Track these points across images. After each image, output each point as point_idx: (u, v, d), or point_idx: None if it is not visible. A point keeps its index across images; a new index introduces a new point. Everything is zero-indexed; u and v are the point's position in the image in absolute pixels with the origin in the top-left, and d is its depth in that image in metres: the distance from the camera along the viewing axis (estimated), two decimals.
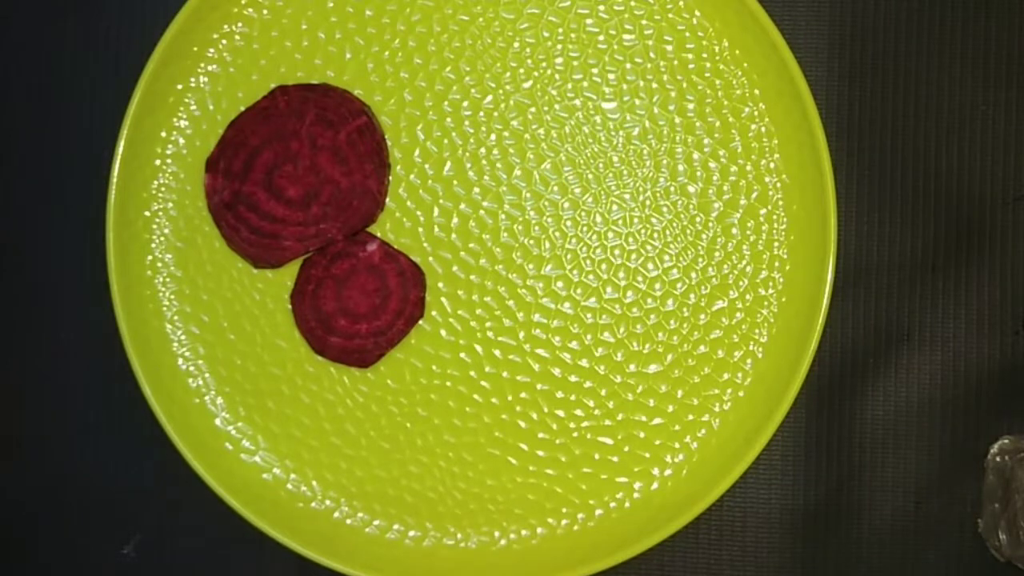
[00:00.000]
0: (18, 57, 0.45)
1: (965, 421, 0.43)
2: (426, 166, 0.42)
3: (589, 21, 0.42)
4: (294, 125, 0.41)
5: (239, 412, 0.42)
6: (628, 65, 0.42)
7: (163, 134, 0.42)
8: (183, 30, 0.41)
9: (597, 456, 0.42)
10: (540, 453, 0.42)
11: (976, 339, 0.43)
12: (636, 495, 0.42)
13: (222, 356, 0.42)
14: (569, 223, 0.42)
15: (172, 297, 0.42)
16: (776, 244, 0.42)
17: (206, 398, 0.42)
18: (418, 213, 0.42)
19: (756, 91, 0.42)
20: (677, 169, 0.42)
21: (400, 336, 0.41)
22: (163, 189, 0.42)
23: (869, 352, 0.43)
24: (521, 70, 0.42)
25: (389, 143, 0.42)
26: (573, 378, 0.42)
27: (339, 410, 0.42)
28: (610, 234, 0.42)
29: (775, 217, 0.42)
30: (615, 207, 0.42)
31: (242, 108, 0.42)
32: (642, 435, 0.42)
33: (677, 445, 0.42)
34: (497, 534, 0.42)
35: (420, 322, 0.42)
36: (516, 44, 0.42)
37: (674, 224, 0.42)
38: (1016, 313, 0.43)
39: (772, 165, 0.42)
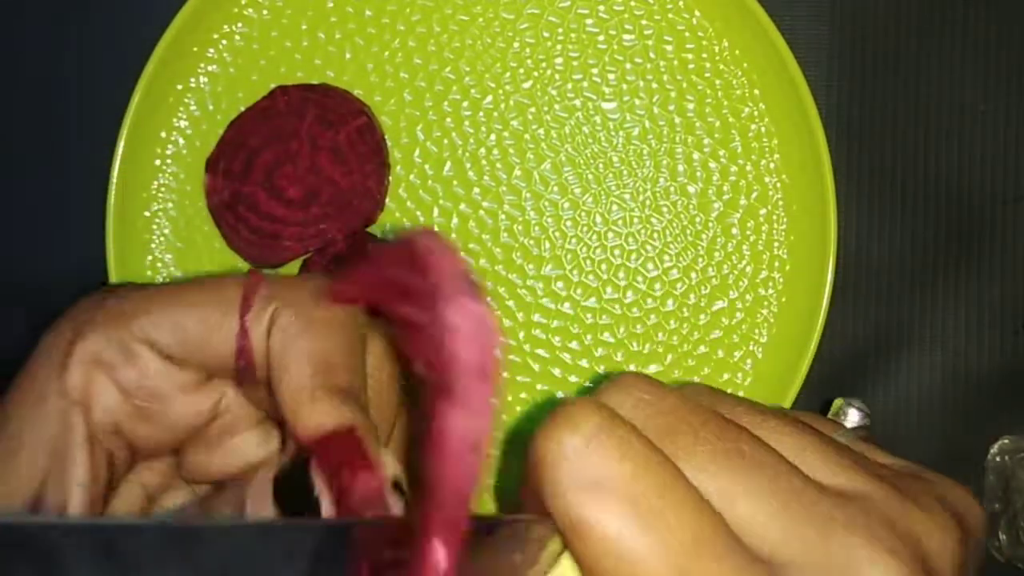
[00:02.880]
0: (19, 57, 0.45)
1: (965, 421, 0.43)
2: (426, 166, 0.42)
3: (589, 21, 0.42)
4: (294, 125, 0.41)
5: None
6: (628, 65, 0.42)
7: (163, 134, 0.42)
8: (183, 30, 0.41)
9: None
10: None
11: (976, 339, 0.43)
12: None
13: None
14: (569, 223, 0.42)
15: None
16: (776, 244, 0.42)
17: None
18: (418, 213, 0.42)
19: (756, 91, 0.42)
20: (677, 169, 0.42)
21: None
22: (163, 189, 0.42)
23: (869, 352, 0.43)
24: (521, 70, 0.42)
25: (389, 143, 0.42)
26: (573, 378, 0.42)
27: None
28: (610, 234, 0.42)
29: (775, 217, 0.42)
30: (615, 207, 0.42)
31: (242, 108, 0.42)
32: None
33: None
34: None
35: None
36: (516, 44, 0.42)
37: (674, 224, 0.42)
38: (1016, 313, 0.43)
39: (772, 165, 0.42)
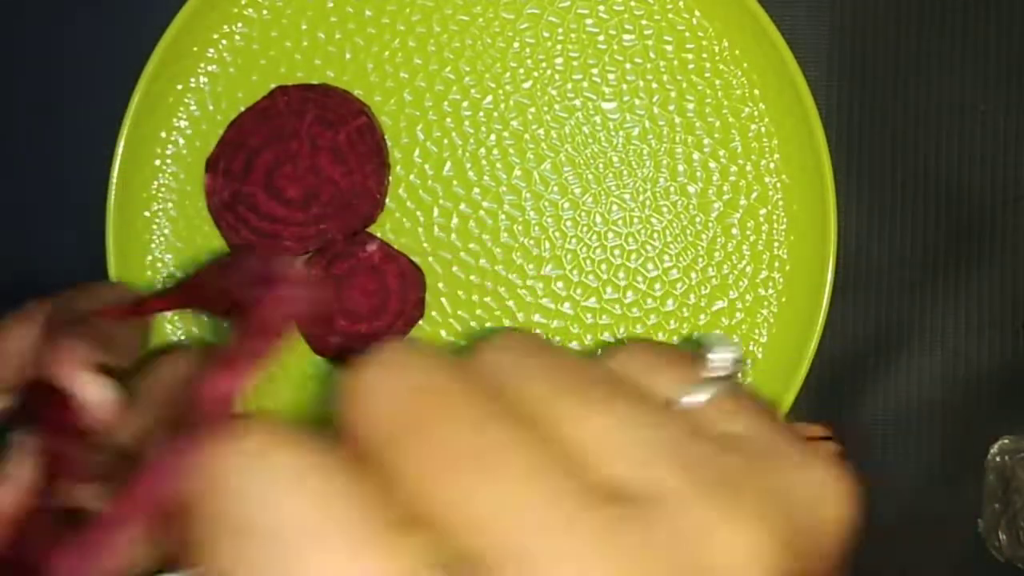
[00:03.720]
0: (19, 57, 0.45)
1: (965, 421, 0.43)
2: (426, 166, 0.42)
3: (589, 21, 0.42)
4: (294, 125, 0.41)
5: None
6: (628, 65, 0.42)
7: (163, 134, 0.42)
8: (183, 30, 0.41)
9: None
10: None
11: (976, 339, 0.43)
12: None
13: None
14: (569, 223, 0.42)
15: None
16: (776, 244, 0.42)
17: None
18: (418, 213, 0.42)
19: (756, 91, 0.42)
20: (677, 169, 0.42)
21: (400, 337, 0.41)
22: (163, 189, 0.42)
23: (869, 352, 0.43)
24: (521, 70, 0.42)
25: (389, 143, 0.42)
26: None
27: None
28: (610, 234, 0.42)
29: (775, 217, 0.42)
30: (615, 207, 0.42)
31: (242, 108, 0.42)
32: None
33: None
34: None
35: (420, 322, 0.42)
36: (516, 44, 0.42)
37: (674, 224, 0.42)
38: (1016, 313, 0.43)
39: (772, 165, 0.42)
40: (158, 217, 0.42)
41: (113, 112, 0.41)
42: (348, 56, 0.42)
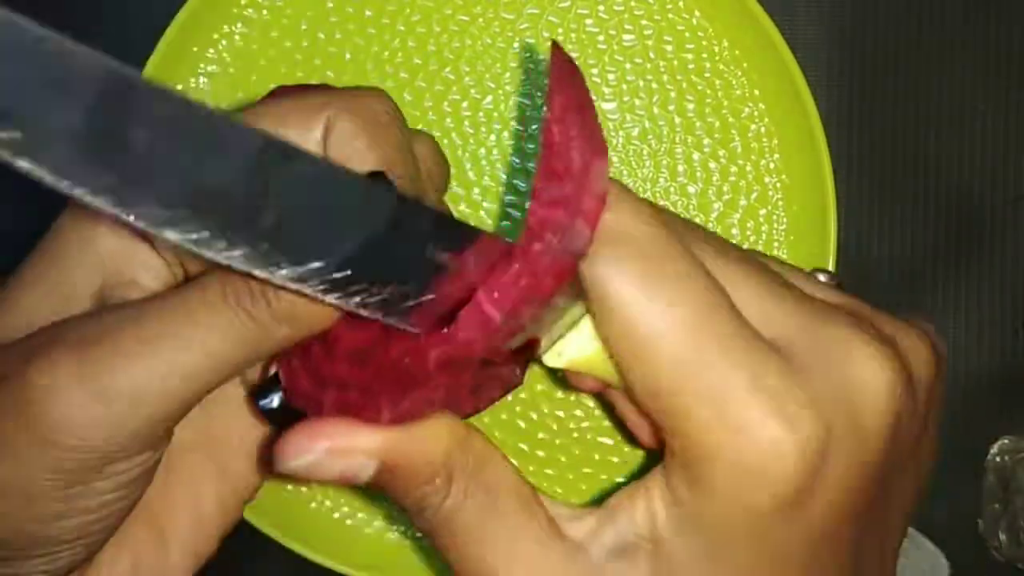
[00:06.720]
0: None
1: (965, 421, 0.43)
2: None
3: (589, 21, 0.42)
4: None
5: None
6: (628, 65, 0.42)
7: None
8: (183, 30, 0.41)
9: (597, 456, 0.42)
10: (540, 453, 0.42)
11: (976, 339, 0.43)
12: None
13: None
14: None
15: None
16: (776, 244, 0.42)
17: None
18: None
19: (756, 91, 0.42)
20: (677, 169, 0.42)
21: None
22: None
23: None
24: (521, 70, 0.42)
25: None
26: None
27: None
28: None
29: (775, 217, 0.42)
30: None
31: (242, 108, 0.42)
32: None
33: None
34: None
35: None
36: (516, 44, 0.42)
37: None
38: (1016, 313, 0.43)
39: (772, 165, 0.42)
40: None
41: None
42: (348, 56, 0.42)
